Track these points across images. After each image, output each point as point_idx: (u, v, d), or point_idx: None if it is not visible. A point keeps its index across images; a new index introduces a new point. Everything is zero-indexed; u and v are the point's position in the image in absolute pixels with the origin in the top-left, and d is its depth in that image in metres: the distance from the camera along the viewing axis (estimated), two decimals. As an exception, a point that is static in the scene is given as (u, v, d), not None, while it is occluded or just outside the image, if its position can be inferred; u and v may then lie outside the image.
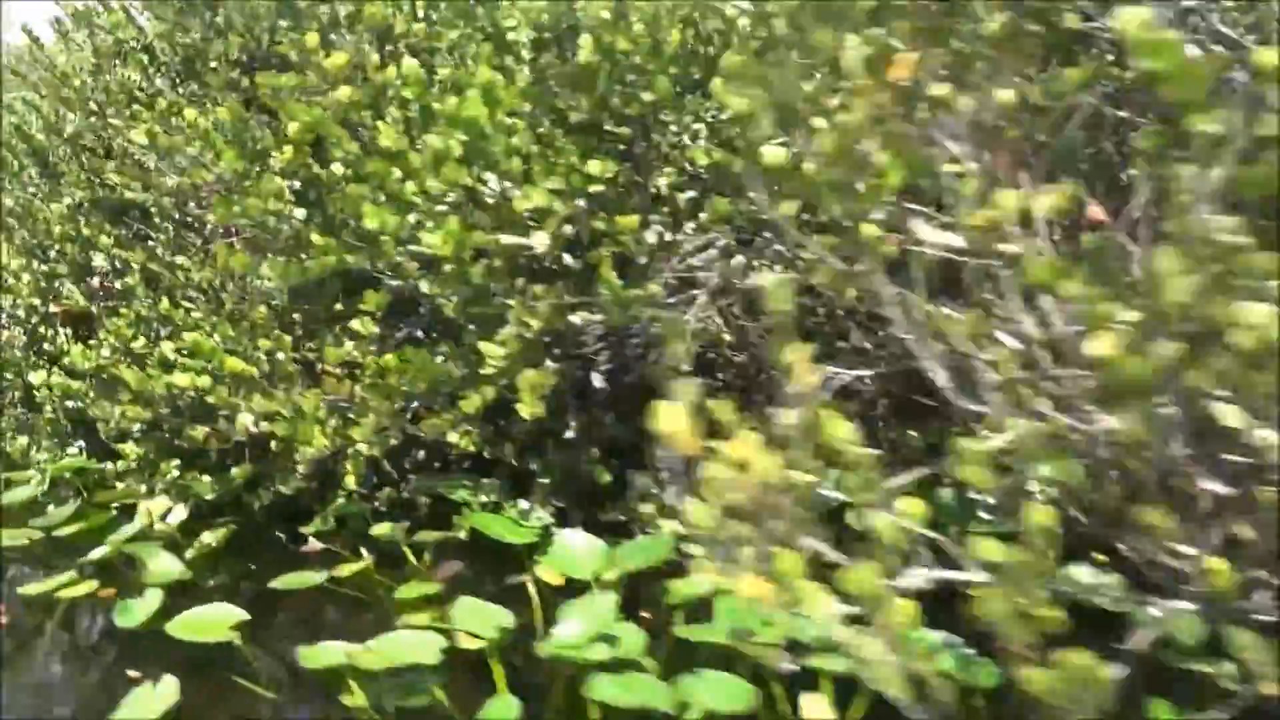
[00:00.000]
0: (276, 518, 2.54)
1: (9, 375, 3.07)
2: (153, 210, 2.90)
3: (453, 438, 2.39)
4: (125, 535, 2.43)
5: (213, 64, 2.73)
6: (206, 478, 2.58)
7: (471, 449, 2.41)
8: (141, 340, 2.43)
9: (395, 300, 2.42)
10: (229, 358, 2.40)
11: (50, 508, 2.72)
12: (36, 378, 2.63)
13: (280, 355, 2.48)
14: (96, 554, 2.36)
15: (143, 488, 2.70)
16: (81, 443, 2.96)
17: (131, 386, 2.42)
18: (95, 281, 2.74)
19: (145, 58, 3.05)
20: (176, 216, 2.92)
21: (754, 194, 1.36)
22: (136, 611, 2.04)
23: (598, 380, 2.26)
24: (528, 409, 2.17)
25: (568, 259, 2.36)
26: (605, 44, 2.23)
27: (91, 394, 2.57)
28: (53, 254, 2.76)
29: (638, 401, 2.51)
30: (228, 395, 2.38)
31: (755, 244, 2.33)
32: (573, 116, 2.33)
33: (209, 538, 2.38)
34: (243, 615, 2.05)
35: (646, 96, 2.25)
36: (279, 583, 2.25)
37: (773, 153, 1.24)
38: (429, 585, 2.14)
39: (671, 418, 0.90)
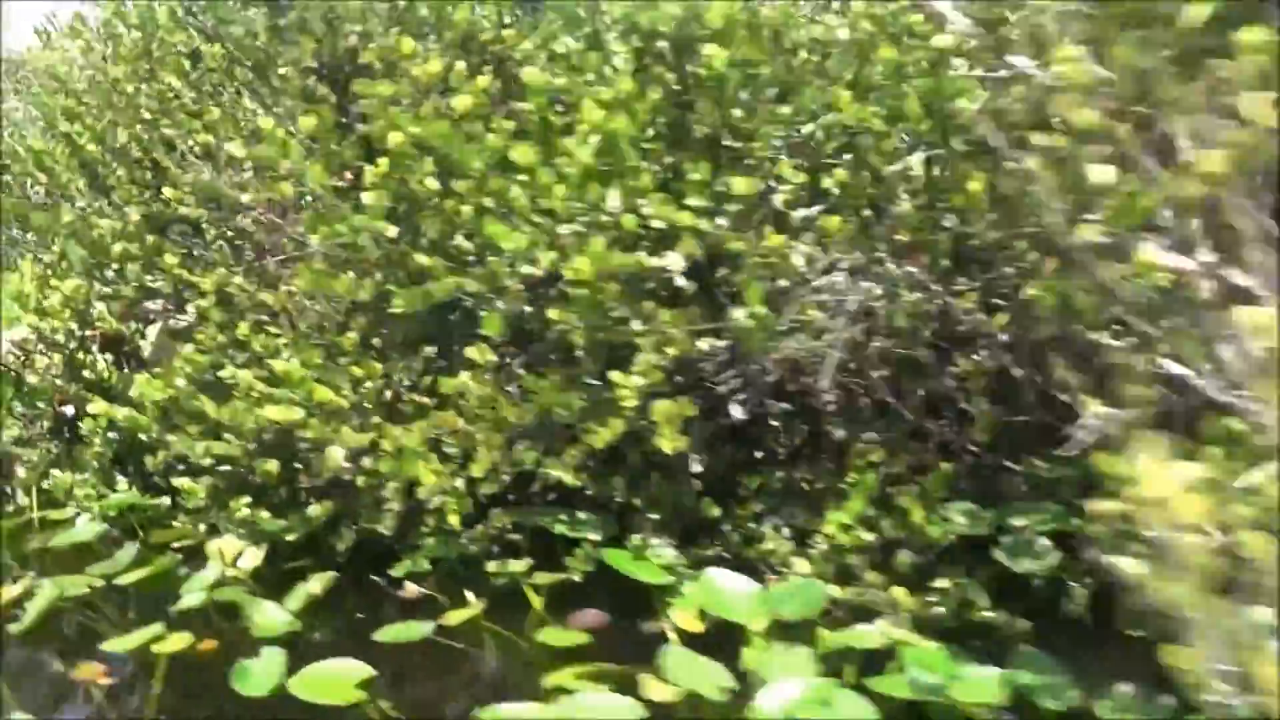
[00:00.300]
0: (357, 558, 2.35)
1: (40, 404, 2.84)
2: (205, 226, 2.70)
3: (555, 471, 2.24)
4: (208, 581, 2.22)
5: (282, 70, 2.54)
6: (267, 514, 2.37)
7: (576, 483, 2.26)
8: (228, 368, 2.22)
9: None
10: (318, 387, 2.22)
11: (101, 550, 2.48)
12: (92, 408, 2.40)
13: (369, 384, 2.30)
14: (187, 603, 2.14)
15: (202, 527, 2.49)
16: (122, 477, 2.74)
17: (211, 418, 2.22)
18: (159, 304, 2.52)
19: (188, 64, 2.85)
20: (229, 234, 2.72)
21: (1049, 217, 1.24)
22: (258, 675, 1.82)
23: (737, 411, 2.11)
24: (668, 443, 2.02)
25: (681, 282, 2.21)
26: (738, 55, 2.10)
27: (156, 427, 2.36)
28: (110, 274, 2.53)
29: (763, 433, 2.40)
30: (321, 428, 2.20)
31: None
32: (697, 130, 2.19)
33: (315, 585, 2.18)
34: (368, 671, 1.87)
35: (783, 110, 2.12)
36: (384, 634, 2.06)
37: (1102, 172, 1.13)
38: (567, 635, 1.98)
39: (1160, 481, 0.77)
